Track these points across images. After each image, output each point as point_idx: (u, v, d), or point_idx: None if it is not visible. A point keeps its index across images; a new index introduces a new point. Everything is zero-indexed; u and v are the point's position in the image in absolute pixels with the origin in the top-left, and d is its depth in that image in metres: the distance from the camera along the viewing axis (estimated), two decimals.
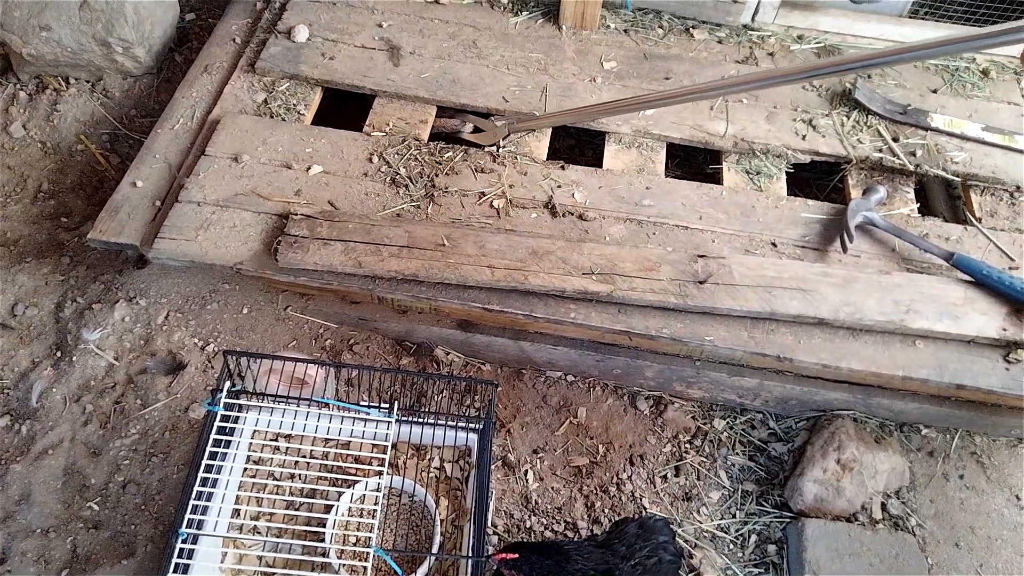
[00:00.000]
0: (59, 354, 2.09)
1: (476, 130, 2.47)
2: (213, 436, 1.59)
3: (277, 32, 2.62)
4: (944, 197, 2.49)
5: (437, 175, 2.31)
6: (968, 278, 2.11)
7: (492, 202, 2.27)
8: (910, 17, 2.72)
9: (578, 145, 2.82)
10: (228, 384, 1.66)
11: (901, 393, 2.11)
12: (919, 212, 2.35)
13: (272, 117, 2.42)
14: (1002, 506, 2.13)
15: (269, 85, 2.51)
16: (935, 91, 2.61)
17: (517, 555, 1.52)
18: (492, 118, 2.45)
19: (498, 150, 2.37)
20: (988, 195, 2.38)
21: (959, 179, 2.38)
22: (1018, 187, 2.37)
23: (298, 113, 2.45)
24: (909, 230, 2.21)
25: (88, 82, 2.78)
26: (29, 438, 1.96)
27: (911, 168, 2.38)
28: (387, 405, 1.78)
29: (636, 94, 2.54)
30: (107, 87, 2.78)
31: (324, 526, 1.75)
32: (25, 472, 1.90)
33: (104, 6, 2.57)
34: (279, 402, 1.76)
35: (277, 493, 1.88)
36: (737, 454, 2.19)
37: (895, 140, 2.45)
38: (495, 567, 1.57)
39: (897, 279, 2.09)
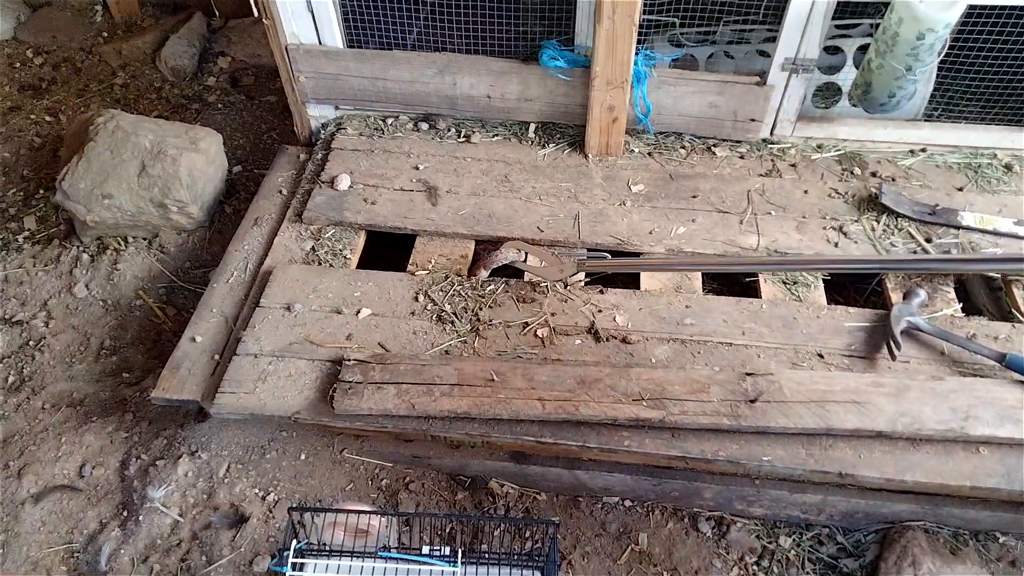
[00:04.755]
0: (126, 513, 2.13)
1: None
2: None
3: (321, 182, 2.78)
4: (985, 293, 2.49)
5: (481, 308, 2.38)
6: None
7: (536, 331, 2.33)
8: (925, 120, 2.81)
9: None
10: (294, 542, 1.68)
11: (972, 501, 2.05)
12: (963, 311, 2.35)
13: (320, 264, 2.54)
14: None
15: (316, 233, 2.64)
16: (961, 189, 2.66)
17: None
18: (557, 252, 2.52)
19: (565, 287, 2.43)
20: None
21: (998, 275, 2.39)
22: None
23: (344, 258, 2.56)
24: (955, 332, 2.21)
25: (145, 240, 2.95)
26: None
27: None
28: (448, 549, 1.78)
29: (666, 214, 2.63)
30: (163, 243, 2.94)
31: None
32: None
33: (161, 172, 2.76)
34: (344, 554, 1.77)
35: None
36: (807, 573, 2.12)
37: (928, 241, 2.48)
38: None
39: (951, 384, 2.08)
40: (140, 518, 2.10)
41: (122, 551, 2.06)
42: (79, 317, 2.73)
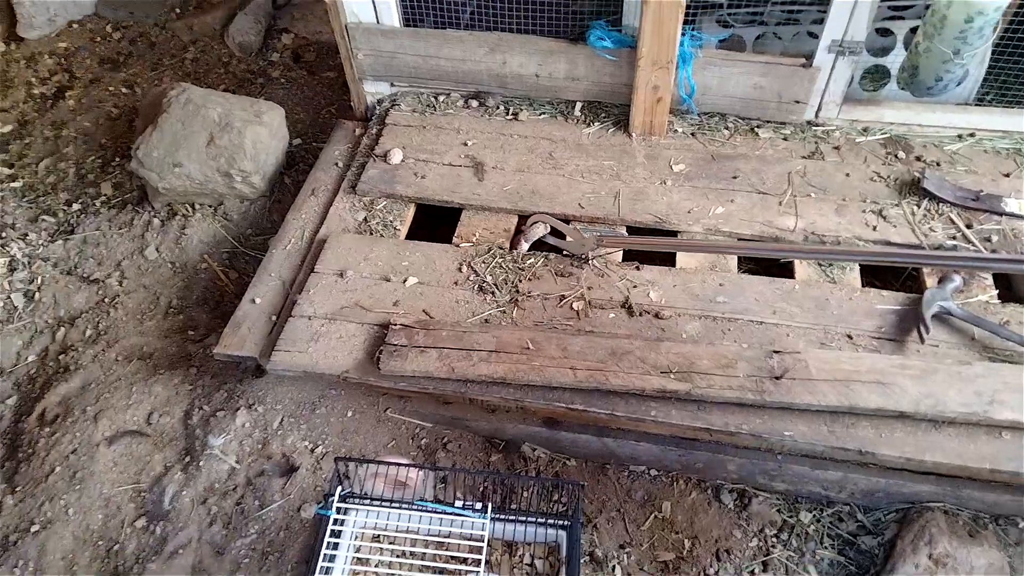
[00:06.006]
0: (188, 459, 2.32)
1: (557, 234, 2.61)
2: (327, 540, 1.75)
3: (375, 156, 2.90)
4: None
5: (520, 281, 2.47)
6: None
7: (572, 304, 2.41)
8: (976, 104, 2.76)
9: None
10: (339, 489, 1.83)
11: (992, 485, 2.07)
12: (1001, 298, 2.34)
13: (371, 234, 2.67)
14: None
15: (368, 204, 2.77)
16: (1007, 175, 2.62)
17: None
18: (577, 227, 2.60)
19: (586, 260, 2.51)
20: None
21: None
22: None
23: (394, 229, 2.68)
24: (988, 318, 2.21)
25: (211, 207, 3.12)
26: (162, 538, 2.17)
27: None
28: (480, 505, 1.90)
29: (705, 194, 2.67)
30: (227, 210, 3.12)
31: None
32: (159, 571, 2.10)
33: (227, 143, 2.92)
34: (383, 504, 1.91)
35: None
36: (826, 548, 2.18)
37: (968, 227, 2.47)
38: None
39: (978, 369, 2.09)
40: (201, 463, 2.29)
41: (184, 493, 2.25)
42: (149, 277, 2.93)
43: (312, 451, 2.30)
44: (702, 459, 2.22)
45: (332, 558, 1.87)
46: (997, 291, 2.35)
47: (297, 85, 3.82)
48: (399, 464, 1.89)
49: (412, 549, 1.91)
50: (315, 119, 3.62)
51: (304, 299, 2.44)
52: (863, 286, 2.41)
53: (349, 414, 2.37)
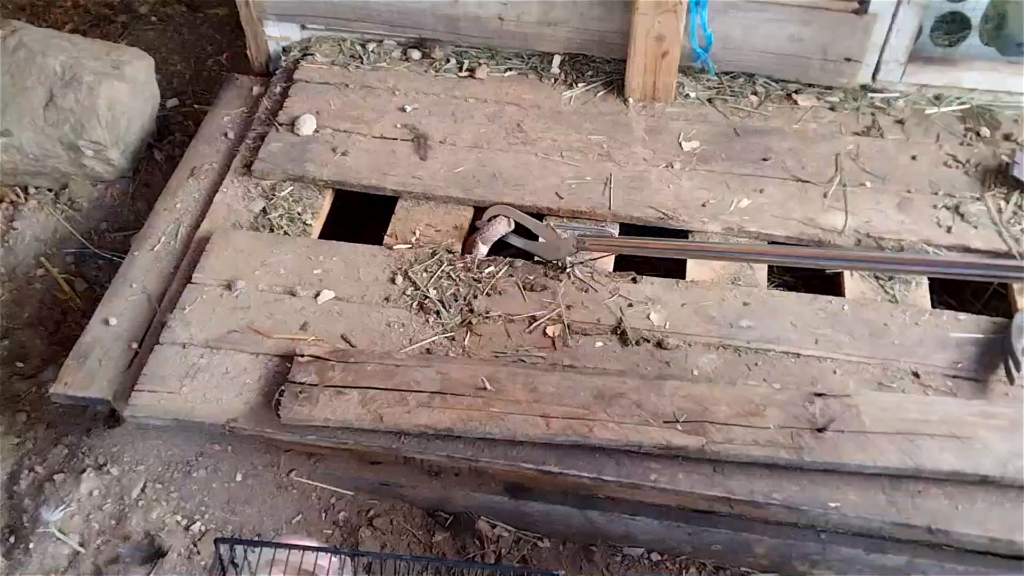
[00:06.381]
0: (12, 540, 2.27)
1: (526, 232, 2.62)
2: None
3: (278, 124, 2.88)
4: None
5: (476, 296, 2.47)
6: None
7: (546, 329, 2.41)
8: None
9: None
10: None
11: None
12: None
13: (273, 231, 2.64)
14: None
15: (268, 190, 2.75)
16: None
17: None
18: (554, 224, 2.60)
19: (565, 269, 2.51)
20: None
21: None
22: None
23: (304, 224, 2.67)
24: None
25: (51, 191, 3.08)
26: None
27: None
28: None
29: (726, 182, 2.70)
30: (73, 196, 3.07)
31: None
32: None
33: (74, 104, 2.88)
34: None
35: None
36: None
37: None
38: None
39: None
40: (30, 546, 2.23)
41: None
42: None
43: (187, 528, 2.26)
44: (720, 539, 2.23)
45: None
46: None
47: (174, 25, 3.79)
48: (305, 547, 1.87)
49: None
50: (198, 73, 3.60)
51: (177, 320, 2.40)
52: (933, 307, 2.45)
53: (239, 478, 2.34)
